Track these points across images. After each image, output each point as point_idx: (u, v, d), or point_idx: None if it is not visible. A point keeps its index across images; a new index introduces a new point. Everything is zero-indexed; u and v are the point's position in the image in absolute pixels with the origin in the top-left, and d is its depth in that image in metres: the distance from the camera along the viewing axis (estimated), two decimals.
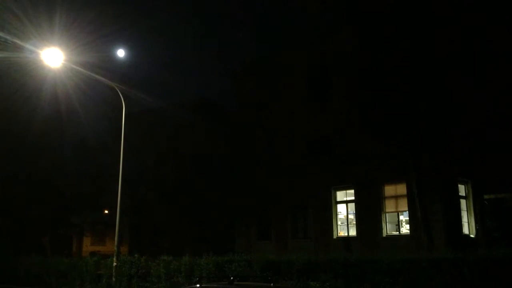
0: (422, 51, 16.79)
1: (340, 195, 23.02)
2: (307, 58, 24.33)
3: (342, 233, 22.63)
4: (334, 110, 22.44)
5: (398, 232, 20.84)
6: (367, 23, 17.31)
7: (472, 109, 19.99)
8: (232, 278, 8.56)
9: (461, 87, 19.81)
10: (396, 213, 21.05)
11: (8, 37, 18.25)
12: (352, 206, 22.44)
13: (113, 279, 16.87)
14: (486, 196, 20.94)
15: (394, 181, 20.74)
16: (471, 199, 20.89)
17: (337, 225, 22.76)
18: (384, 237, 20.81)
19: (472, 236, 20.08)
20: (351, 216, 22.48)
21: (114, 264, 16.95)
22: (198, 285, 8.59)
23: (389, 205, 21.16)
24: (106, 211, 34.16)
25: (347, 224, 22.53)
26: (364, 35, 17.66)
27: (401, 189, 20.59)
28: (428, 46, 16.94)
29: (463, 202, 20.71)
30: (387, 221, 21.14)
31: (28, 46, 16.85)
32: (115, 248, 17.50)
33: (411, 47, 16.73)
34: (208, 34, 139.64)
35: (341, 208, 22.98)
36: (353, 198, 22.35)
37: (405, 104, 17.10)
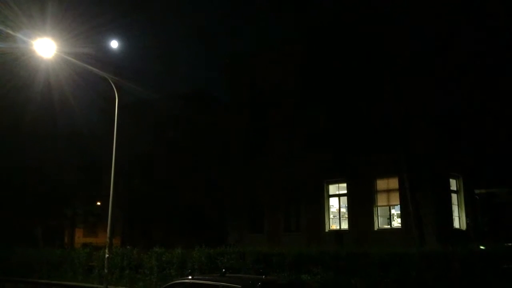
0: (417, 50, 16.91)
1: (333, 189, 23.12)
2: (300, 54, 24.24)
3: (334, 226, 22.76)
4: (328, 105, 22.45)
5: (389, 226, 20.99)
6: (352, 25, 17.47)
7: (465, 104, 20.14)
8: (224, 270, 8.62)
9: (454, 83, 19.95)
10: (388, 207, 21.18)
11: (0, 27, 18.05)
12: (344, 199, 22.56)
13: (105, 270, 16.82)
14: (477, 191, 21.12)
15: (386, 175, 20.85)
16: (462, 193, 21.07)
17: (329, 218, 22.89)
18: (376, 230, 20.95)
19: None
20: (343, 210, 22.61)
21: (107, 255, 16.89)
22: (190, 277, 8.64)
23: (381, 199, 21.29)
24: (99, 203, 34.10)
25: (339, 218, 22.66)
26: (354, 36, 17.79)
27: (393, 183, 20.71)
28: (425, 44, 17.06)
29: (454, 197, 20.88)
30: (378, 214, 21.28)
31: (20, 36, 16.67)
32: (108, 240, 17.45)
33: (407, 45, 16.84)
34: (202, 25, 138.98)
35: (333, 202, 23.10)
36: (345, 191, 22.46)
37: (396, 100, 17.20)
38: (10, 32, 17.70)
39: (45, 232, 35.85)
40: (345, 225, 22.25)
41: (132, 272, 17.56)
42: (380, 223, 21.24)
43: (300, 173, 23.06)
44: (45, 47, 15.83)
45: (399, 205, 20.50)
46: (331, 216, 22.98)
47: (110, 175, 17.58)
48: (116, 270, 17.82)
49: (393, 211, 21.07)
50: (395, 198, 20.66)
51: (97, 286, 17.82)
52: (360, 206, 21.44)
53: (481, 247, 11.47)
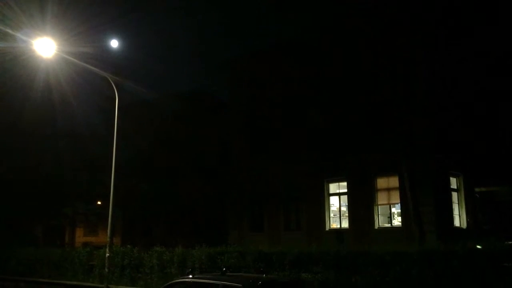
0: (416, 48, 16.90)
1: (333, 187, 23.13)
2: (300, 54, 24.23)
3: (335, 225, 22.77)
4: (328, 104, 22.45)
5: (390, 225, 21.00)
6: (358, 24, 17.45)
7: (466, 103, 20.15)
8: (224, 269, 8.62)
9: (454, 82, 19.95)
10: (388, 206, 21.19)
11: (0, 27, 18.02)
12: (344, 198, 22.57)
13: (106, 269, 16.85)
14: (477, 189, 21.14)
15: (387, 173, 20.86)
16: (462, 192, 21.08)
17: (329, 217, 22.90)
18: (376, 229, 20.96)
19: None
20: (344, 208, 22.63)
21: (107, 255, 16.92)
22: (190, 276, 8.64)
23: (382, 198, 21.30)
24: (99, 202, 34.10)
25: (340, 216, 22.67)
26: (357, 34, 17.77)
27: (394, 181, 20.72)
28: (423, 43, 17.06)
29: (454, 195, 20.89)
30: (379, 213, 21.29)
31: (19, 35, 16.65)
32: (108, 239, 17.47)
33: (406, 44, 16.83)
34: (202, 25, 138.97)
35: (334, 200, 23.11)
36: (345, 190, 22.47)
37: (397, 98, 17.19)
38: (10, 31, 17.69)
39: (45, 231, 35.88)
40: (345, 224, 22.26)
41: (133, 271, 17.55)
42: (380, 221, 21.25)
43: (300, 172, 23.06)
44: (45, 47, 15.83)
45: (399, 204, 20.52)
46: (332, 215, 22.99)
47: (110, 175, 17.58)
48: (116, 269, 17.82)
49: (393, 210, 21.08)
50: (396, 196, 20.67)
51: (97, 285, 17.83)
52: (361, 204, 21.45)
53: (478, 246, 11.44)
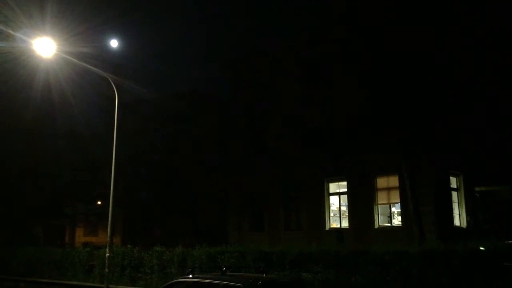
0: (417, 49, 16.87)
1: (333, 187, 23.13)
2: (303, 54, 24.21)
3: (335, 224, 22.76)
4: (328, 104, 22.43)
5: (390, 224, 21.00)
6: (364, 23, 17.41)
7: (465, 103, 20.13)
8: (224, 269, 8.61)
9: (454, 82, 19.94)
10: (388, 205, 21.19)
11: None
12: (344, 198, 22.57)
13: (106, 269, 16.84)
14: (477, 189, 21.12)
15: (387, 173, 20.86)
16: (462, 191, 21.08)
17: (329, 216, 22.89)
18: (376, 228, 20.96)
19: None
20: (344, 208, 22.62)
21: (107, 254, 16.91)
22: (190, 276, 8.64)
23: (382, 197, 21.30)
24: (99, 202, 34.11)
25: (340, 216, 22.67)
26: (361, 35, 17.72)
27: (393, 181, 20.72)
28: (424, 43, 17.02)
29: (454, 194, 20.89)
30: (379, 213, 21.29)
31: (19, 35, 16.64)
32: (108, 239, 17.47)
33: (407, 44, 16.79)
34: (203, 24, 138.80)
35: (334, 200, 23.11)
36: (345, 190, 22.47)
37: (397, 98, 17.17)
38: (10, 31, 17.67)
39: (46, 231, 35.88)
40: (345, 224, 22.26)
41: (133, 271, 17.56)
42: (380, 221, 21.25)
43: (301, 171, 23.05)
44: (44, 47, 15.81)
45: (399, 203, 20.51)
46: (332, 214, 22.98)
47: (110, 175, 17.58)
48: (116, 269, 17.82)
49: (393, 209, 21.08)
50: (396, 196, 20.67)
51: (98, 285, 17.83)
52: (361, 204, 21.45)
53: (481, 248, 11.40)
